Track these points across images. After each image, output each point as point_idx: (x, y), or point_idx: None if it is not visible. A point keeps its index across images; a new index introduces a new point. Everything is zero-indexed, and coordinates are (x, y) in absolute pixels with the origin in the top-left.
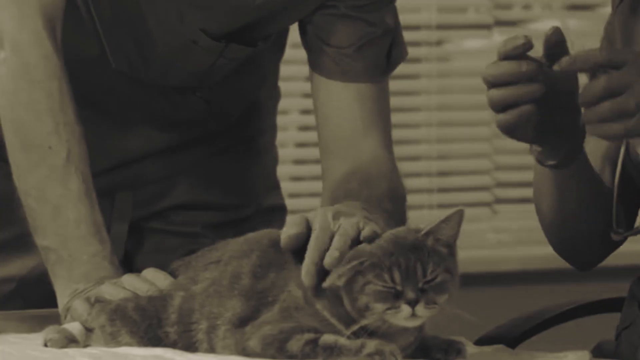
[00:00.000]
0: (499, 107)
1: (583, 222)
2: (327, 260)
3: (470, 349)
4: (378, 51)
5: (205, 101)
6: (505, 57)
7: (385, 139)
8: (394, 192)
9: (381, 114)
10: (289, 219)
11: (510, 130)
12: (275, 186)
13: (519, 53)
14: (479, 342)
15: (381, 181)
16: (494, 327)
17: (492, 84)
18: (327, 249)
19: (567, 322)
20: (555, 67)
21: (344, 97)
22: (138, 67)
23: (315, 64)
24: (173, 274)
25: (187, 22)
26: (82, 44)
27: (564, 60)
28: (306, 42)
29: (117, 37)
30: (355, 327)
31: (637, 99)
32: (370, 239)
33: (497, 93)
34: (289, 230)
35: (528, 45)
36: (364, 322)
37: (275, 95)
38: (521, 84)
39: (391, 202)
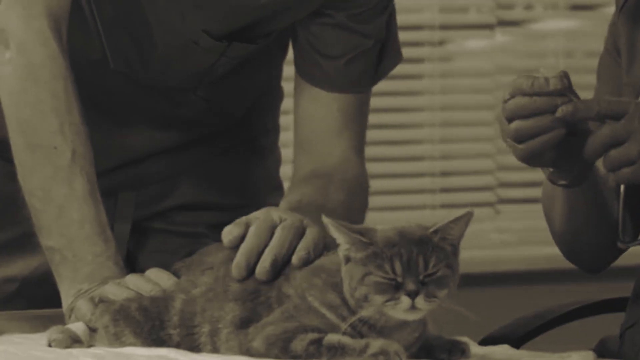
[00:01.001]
0: (526, 137)
1: (593, 234)
2: (295, 260)
3: (474, 349)
4: (367, 62)
5: (205, 100)
6: (539, 94)
7: (358, 143)
8: (351, 204)
9: (358, 121)
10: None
11: (534, 158)
12: (278, 187)
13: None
14: (483, 342)
15: (339, 191)
16: (498, 328)
17: (520, 116)
18: (266, 243)
19: (571, 322)
20: (558, 114)
21: (326, 105)
22: (137, 67)
23: (303, 69)
24: (176, 275)
25: (189, 22)
26: (86, 45)
27: (566, 109)
28: (297, 46)
29: (116, 37)
30: (353, 319)
31: (638, 147)
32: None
33: (524, 124)
34: (233, 230)
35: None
36: (362, 313)
37: (278, 95)
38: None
39: (345, 214)
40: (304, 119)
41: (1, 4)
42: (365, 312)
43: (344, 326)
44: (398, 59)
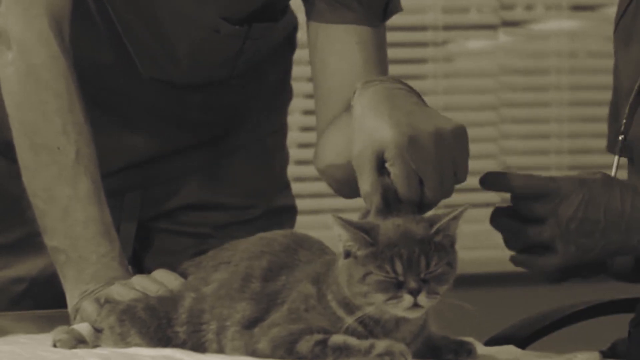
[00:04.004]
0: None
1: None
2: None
3: (480, 349)
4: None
5: (242, 86)
6: None
7: None
8: None
9: (380, 59)
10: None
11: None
12: (286, 186)
13: None
14: (489, 342)
15: None
16: (504, 328)
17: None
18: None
19: (579, 323)
20: (481, 183)
21: (344, 41)
22: (168, 69)
23: (313, 11)
24: (183, 274)
25: (205, 12)
26: (92, 49)
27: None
28: None
29: (142, 41)
30: (359, 314)
31: (551, 232)
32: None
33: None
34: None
35: None
36: (366, 309)
37: (287, 94)
38: None
39: None
40: (325, 64)
41: (2, 5)
42: (368, 309)
43: (350, 320)
44: (399, 6)
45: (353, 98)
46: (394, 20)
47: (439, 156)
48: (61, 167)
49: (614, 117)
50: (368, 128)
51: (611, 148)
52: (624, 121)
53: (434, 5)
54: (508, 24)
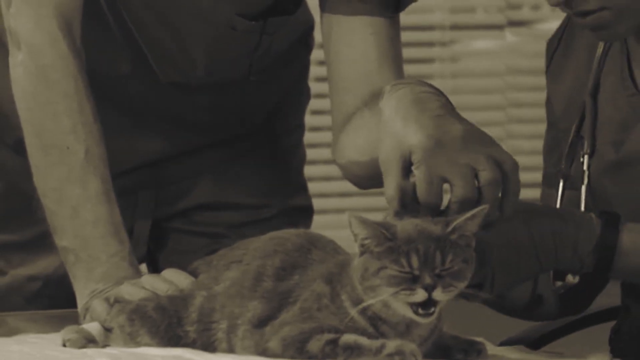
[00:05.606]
0: None
1: None
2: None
3: (491, 349)
4: None
5: (259, 85)
6: None
7: (400, 74)
8: None
9: (395, 50)
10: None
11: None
12: (302, 187)
13: None
14: (502, 345)
15: None
16: (517, 331)
17: None
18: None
19: (591, 327)
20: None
21: (358, 31)
22: (184, 70)
23: (326, 3)
24: (193, 273)
25: (222, 9)
26: (106, 53)
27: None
28: None
29: (158, 43)
30: (361, 306)
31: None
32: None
33: None
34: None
35: None
36: (368, 301)
37: (304, 94)
38: None
39: None
40: (339, 54)
41: (12, 6)
42: (373, 301)
43: (353, 312)
44: None
45: (381, 100)
46: (401, 19)
47: (466, 160)
48: (70, 167)
49: (552, 151)
50: (396, 132)
51: (548, 181)
52: (563, 163)
53: (441, 5)
54: (515, 23)
